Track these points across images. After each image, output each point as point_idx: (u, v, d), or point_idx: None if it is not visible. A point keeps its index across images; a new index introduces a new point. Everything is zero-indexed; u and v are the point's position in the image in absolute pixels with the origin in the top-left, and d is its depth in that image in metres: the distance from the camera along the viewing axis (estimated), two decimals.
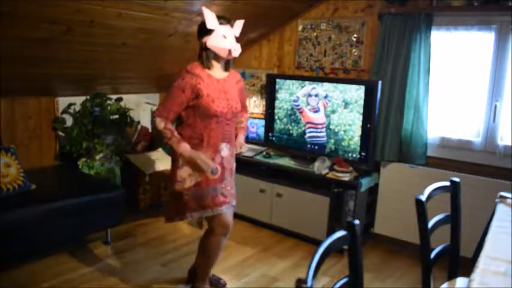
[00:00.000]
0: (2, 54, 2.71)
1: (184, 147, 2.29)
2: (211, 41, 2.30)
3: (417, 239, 1.75)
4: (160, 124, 2.30)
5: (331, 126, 3.47)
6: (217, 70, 2.40)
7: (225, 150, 2.42)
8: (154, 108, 4.27)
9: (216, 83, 2.36)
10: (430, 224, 1.76)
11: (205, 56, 2.34)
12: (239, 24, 2.43)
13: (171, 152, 2.43)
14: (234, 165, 2.57)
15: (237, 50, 2.31)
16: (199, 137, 2.34)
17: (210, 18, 2.29)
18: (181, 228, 3.68)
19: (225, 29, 2.31)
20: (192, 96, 2.29)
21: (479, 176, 3.04)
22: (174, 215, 2.46)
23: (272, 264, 3.12)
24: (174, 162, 2.41)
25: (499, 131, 3.06)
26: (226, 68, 2.45)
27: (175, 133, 2.32)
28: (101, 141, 3.66)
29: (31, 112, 3.54)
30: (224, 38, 2.29)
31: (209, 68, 2.37)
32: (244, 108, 2.67)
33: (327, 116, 3.48)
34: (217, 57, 2.36)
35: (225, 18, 2.37)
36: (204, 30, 2.31)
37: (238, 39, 2.41)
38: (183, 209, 2.39)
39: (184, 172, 2.35)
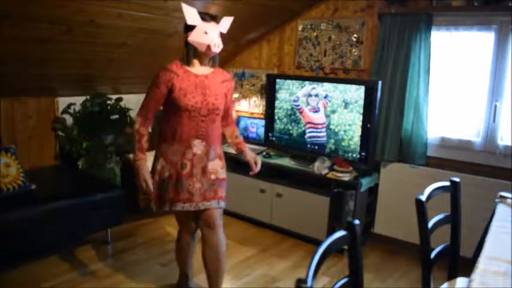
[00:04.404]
0: (2, 54, 2.71)
1: (139, 157, 2.34)
2: (192, 36, 2.28)
3: (417, 239, 1.76)
4: (136, 125, 2.36)
5: (331, 126, 3.47)
6: (197, 67, 2.37)
7: (198, 147, 2.36)
8: None
9: (194, 77, 2.33)
10: (430, 224, 1.76)
11: (186, 51, 2.33)
12: (226, 21, 2.38)
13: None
14: (215, 164, 2.41)
15: (217, 45, 2.28)
16: (172, 131, 2.34)
17: (190, 15, 2.27)
18: None
19: (208, 25, 2.28)
20: (166, 91, 2.30)
21: (479, 176, 3.04)
22: (157, 204, 2.43)
23: (272, 264, 3.12)
24: (155, 156, 2.44)
25: (499, 131, 3.06)
26: (212, 65, 2.41)
27: (143, 140, 2.35)
28: (101, 141, 3.66)
29: (31, 112, 3.54)
30: (205, 34, 2.26)
31: (188, 65, 2.35)
32: (231, 119, 2.62)
33: (327, 116, 3.48)
34: (197, 54, 2.32)
35: (210, 15, 2.34)
36: (188, 26, 2.30)
37: (227, 37, 2.41)
38: (162, 200, 2.39)
39: (159, 164, 2.38)
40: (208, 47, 2.26)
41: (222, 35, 2.35)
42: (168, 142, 2.35)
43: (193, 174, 2.35)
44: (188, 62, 2.34)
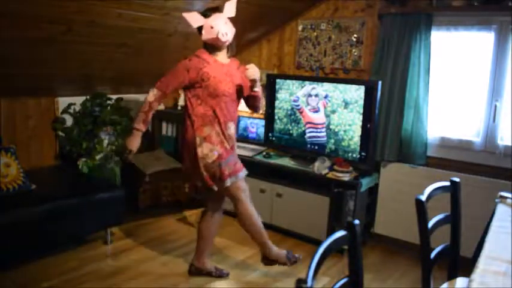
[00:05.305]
0: (2, 54, 2.71)
1: (140, 128, 2.49)
2: (203, 36, 2.49)
3: (417, 239, 1.75)
4: (150, 96, 2.48)
5: (331, 126, 3.47)
6: (221, 57, 2.57)
7: (231, 128, 2.59)
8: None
9: (221, 66, 2.54)
10: (430, 224, 1.76)
11: (206, 48, 2.54)
12: (229, 5, 2.53)
13: (185, 135, 2.57)
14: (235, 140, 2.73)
15: (224, 34, 2.45)
16: (213, 114, 2.50)
17: (193, 19, 2.46)
18: (181, 228, 3.68)
19: (211, 19, 2.45)
20: (197, 78, 2.46)
21: (479, 176, 3.04)
22: (209, 183, 2.54)
23: None
24: (191, 144, 2.52)
25: (499, 131, 3.06)
26: (230, 54, 2.64)
27: (150, 113, 2.48)
28: (100, 141, 3.66)
29: (31, 112, 3.54)
30: (212, 28, 2.44)
31: (214, 55, 2.55)
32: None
33: (327, 116, 3.48)
34: (215, 47, 2.52)
35: (212, 9, 2.51)
36: (199, 28, 2.49)
37: (238, 26, 2.57)
38: (214, 179, 2.53)
39: (205, 148, 2.49)
40: (217, 38, 2.44)
41: (231, 19, 2.52)
42: (210, 125, 2.50)
43: (234, 148, 2.62)
44: (212, 54, 2.54)
